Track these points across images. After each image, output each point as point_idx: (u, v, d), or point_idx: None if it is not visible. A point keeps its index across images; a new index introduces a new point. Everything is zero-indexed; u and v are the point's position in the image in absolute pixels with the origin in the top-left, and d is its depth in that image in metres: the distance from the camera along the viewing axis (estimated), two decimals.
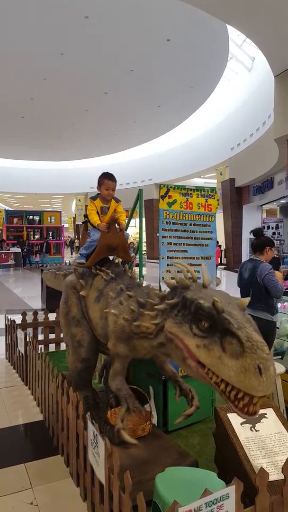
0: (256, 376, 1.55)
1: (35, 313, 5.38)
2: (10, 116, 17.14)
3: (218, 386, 1.70)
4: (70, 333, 3.17)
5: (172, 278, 2.23)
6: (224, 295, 1.91)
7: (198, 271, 2.56)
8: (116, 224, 3.15)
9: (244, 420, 2.43)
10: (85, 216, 3.42)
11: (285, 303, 4.44)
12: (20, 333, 4.37)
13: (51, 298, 8.03)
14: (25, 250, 21.26)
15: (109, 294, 2.83)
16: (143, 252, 3.81)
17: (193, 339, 1.80)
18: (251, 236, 3.92)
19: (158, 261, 3.50)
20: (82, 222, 3.94)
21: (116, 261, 3.31)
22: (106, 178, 3.14)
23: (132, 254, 3.61)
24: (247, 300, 1.85)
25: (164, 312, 2.17)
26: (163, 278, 3.26)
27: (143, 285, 2.83)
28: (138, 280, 3.00)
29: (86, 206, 3.58)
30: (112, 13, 9.52)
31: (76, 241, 32.10)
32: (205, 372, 1.75)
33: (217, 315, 1.72)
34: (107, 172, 3.20)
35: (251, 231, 3.92)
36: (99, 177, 3.18)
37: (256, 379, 1.55)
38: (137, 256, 3.80)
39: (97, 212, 3.18)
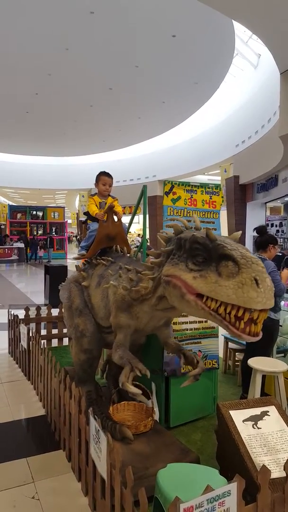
0: (254, 288, 1.59)
1: (38, 308, 5.41)
2: (14, 111, 17.10)
3: (217, 313, 1.72)
4: (73, 324, 3.18)
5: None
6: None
7: None
8: (113, 215, 3.28)
9: (247, 417, 2.43)
10: (85, 213, 3.56)
11: None
12: (23, 328, 4.39)
13: (54, 293, 8.06)
14: (37, 244, 21.35)
15: (109, 272, 2.89)
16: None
17: (190, 273, 1.84)
18: (255, 233, 3.89)
19: None
20: (83, 222, 4.12)
21: None
22: (103, 175, 3.47)
23: (134, 249, 3.66)
24: (239, 233, 1.94)
25: (160, 265, 2.22)
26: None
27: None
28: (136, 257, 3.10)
29: None
30: (118, 9, 9.46)
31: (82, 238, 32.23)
32: (204, 302, 1.77)
33: (211, 244, 1.78)
34: (104, 170, 3.53)
35: (255, 229, 3.89)
36: (96, 176, 3.48)
37: (254, 291, 1.59)
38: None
39: (96, 205, 3.39)
